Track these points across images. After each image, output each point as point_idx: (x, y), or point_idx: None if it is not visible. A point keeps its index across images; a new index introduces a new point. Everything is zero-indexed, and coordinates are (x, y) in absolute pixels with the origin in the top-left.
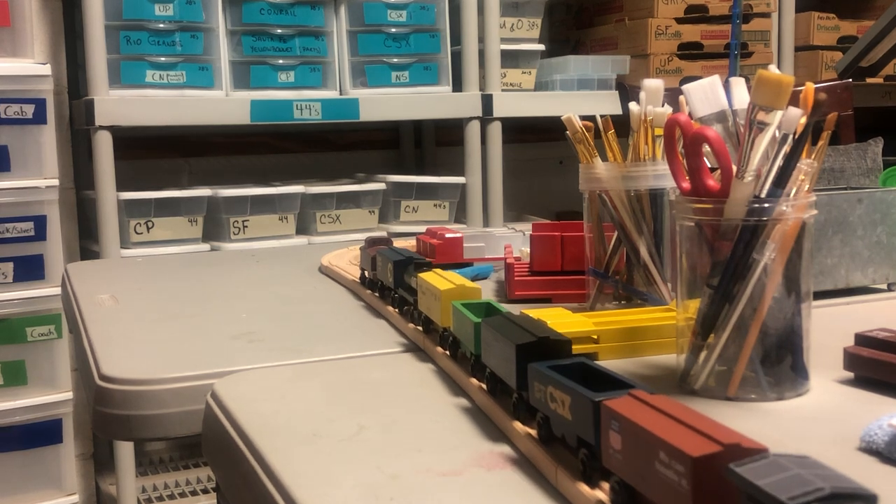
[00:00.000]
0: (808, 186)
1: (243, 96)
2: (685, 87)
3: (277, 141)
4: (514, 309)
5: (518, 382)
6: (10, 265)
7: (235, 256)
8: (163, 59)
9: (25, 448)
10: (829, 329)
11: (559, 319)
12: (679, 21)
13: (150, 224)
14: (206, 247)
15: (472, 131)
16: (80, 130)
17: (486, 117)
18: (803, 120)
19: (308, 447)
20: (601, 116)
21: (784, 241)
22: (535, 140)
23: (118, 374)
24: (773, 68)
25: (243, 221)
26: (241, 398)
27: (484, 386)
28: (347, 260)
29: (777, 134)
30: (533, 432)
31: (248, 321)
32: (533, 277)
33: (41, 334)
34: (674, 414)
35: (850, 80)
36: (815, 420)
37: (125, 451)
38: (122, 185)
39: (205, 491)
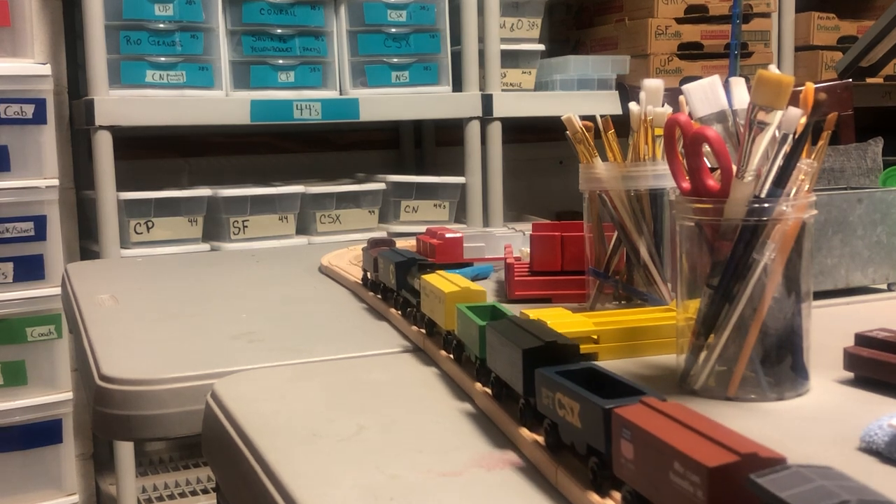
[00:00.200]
0: (808, 186)
1: (243, 96)
2: (685, 87)
3: (277, 141)
4: (514, 309)
5: (525, 388)
6: (10, 265)
7: (235, 256)
8: (163, 59)
9: (25, 448)
10: (829, 329)
11: (559, 319)
12: (679, 21)
13: (150, 224)
14: (206, 247)
15: (472, 131)
16: (80, 130)
17: (486, 117)
18: (803, 120)
19: (308, 447)
20: (601, 116)
21: (784, 241)
22: (535, 140)
23: (118, 374)
24: (773, 68)
25: (243, 221)
26: (241, 398)
27: (489, 391)
28: (347, 260)
29: (777, 134)
30: (540, 439)
31: (248, 321)
32: (533, 277)
33: (41, 334)
34: (688, 422)
35: (850, 80)
36: (815, 420)
37: (125, 452)
38: (122, 185)
39: (205, 491)
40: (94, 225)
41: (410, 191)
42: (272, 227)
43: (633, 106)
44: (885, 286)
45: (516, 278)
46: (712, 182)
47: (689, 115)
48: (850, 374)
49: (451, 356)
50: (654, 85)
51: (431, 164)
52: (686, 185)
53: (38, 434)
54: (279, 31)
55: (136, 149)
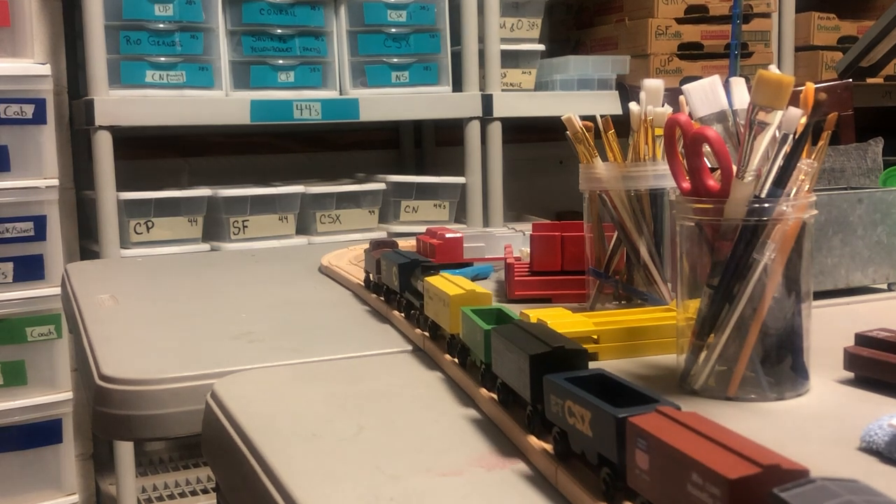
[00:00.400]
0: (808, 186)
1: (243, 96)
2: (685, 87)
3: (277, 141)
4: (514, 309)
5: (532, 395)
6: (10, 265)
7: (235, 256)
8: (163, 59)
9: (25, 448)
10: (830, 329)
11: (559, 319)
12: (679, 21)
13: (149, 224)
14: (206, 247)
15: (472, 131)
16: (80, 130)
17: (486, 117)
18: (803, 120)
19: (308, 447)
20: (601, 116)
21: (784, 241)
22: (535, 140)
23: (118, 374)
24: (773, 68)
25: (243, 221)
26: (241, 398)
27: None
28: (347, 260)
29: (777, 134)
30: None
31: (248, 321)
32: (533, 277)
33: (41, 334)
34: (706, 432)
35: (851, 80)
36: (815, 420)
37: (125, 452)
38: (121, 185)
39: (205, 491)
40: (94, 225)
41: (410, 191)
42: (272, 227)
43: (633, 106)
44: (885, 286)
45: (516, 278)
46: (712, 182)
47: (690, 115)
48: (851, 374)
49: (456, 360)
50: (654, 85)
51: (431, 164)
52: (686, 185)
53: (37, 434)
54: (279, 31)
55: (136, 149)
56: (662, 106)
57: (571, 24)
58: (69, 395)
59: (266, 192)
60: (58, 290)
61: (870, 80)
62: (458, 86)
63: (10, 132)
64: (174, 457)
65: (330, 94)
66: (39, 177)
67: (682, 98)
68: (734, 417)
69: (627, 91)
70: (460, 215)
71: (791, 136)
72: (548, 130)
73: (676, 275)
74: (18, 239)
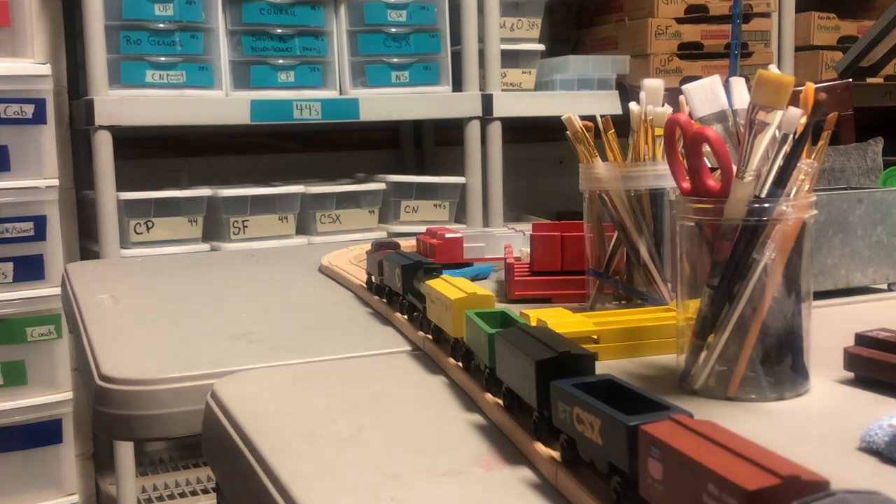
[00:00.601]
0: (808, 186)
1: (243, 96)
2: (685, 86)
3: (277, 141)
4: (514, 309)
5: (539, 401)
6: (10, 265)
7: (235, 256)
8: (163, 58)
9: (25, 448)
10: (830, 329)
11: (559, 319)
12: (679, 21)
13: (150, 224)
14: (206, 247)
15: (472, 131)
16: (80, 130)
17: (486, 117)
18: (803, 120)
19: (308, 447)
20: (601, 116)
21: (784, 241)
22: (535, 140)
23: (118, 374)
24: (773, 68)
25: (243, 221)
26: (241, 398)
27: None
28: (347, 260)
29: (777, 134)
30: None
31: (248, 321)
32: (533, 277)
33: (41, 334)
34: (722, 441)
35: (851, 79)
36: (815, 420)
37: (125, 451)
38: (121, 185)
39: (205, 491)
40: (94, 225)
41: (410, 191)
42: (272, 227)
43: (633, 106)
44: (885, 286)
45: (516, 278)
46: (712, 182)
47: (690, 114)
48: (851, 374)
49: (460, 364)
50: (654, 85)
51: (431, 164)
52: (686, 185)
53: (38, 434)
54: (279, 30)
55: (136, 149)
56: (662, 106)
57: (571, 24)
58: (69, 395)
59: (266, 192)
60: (58, 290)
61: (870, 80)
62: (458, 86)
63: (10, 132)
64: (174, 457)
65: (330, 93)
66: (39, 177)
67: (682, 98)
68: (734, 417)
69: (627, 91)
70: (460, 215)
71: (791, 136)
72: (548, 130)
73: (676, 275)
74: (18, 239)
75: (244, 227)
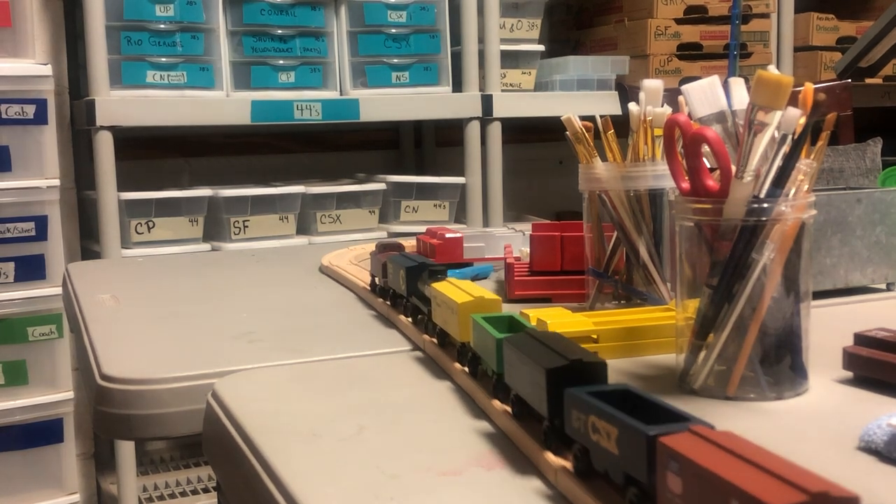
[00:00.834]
0: (807, 186)
1: (244, 97)
2: (684, 87)
3: (278, 141)
4: (514, 309)
5: (550, 410)
6: (12, 265)
7: (236, 256)
8: (164, 59)
9: (26, 447)
10: (829, 329)
11: (559, 319)
12: (678, 21)
13: (150, 224)
14: (206, 247)
15: (472, 131)
16: (81, 131)
17: (486, 117)
18: (802, 120)
19: (308, 447)
20: (601, 117)
21: (783, 241)
22: (535, 140)
23: (119, 373)
24: (772, 69)
25: (244, 221)
26: (242, 398)
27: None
28: (348, 260)
29: (776, 134)
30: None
31: (248, 321)
32: (533, 277)
33: (42, 334)
34: (745, 454)
35: (849, 80)
36: (814, 420)
37: (126, 451)
38: (122, 186)
39: (205, 490)
40: (95, 225)
41: (410, 191)
42: (273, 227)
43: (632, 106)
44: (884, 286)
45: (516, 278)
46: (712, 182)
47: (689, 115)
48: (850, 374)
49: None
50: (653, 85)
51: (431, 164)
52: (685, 185)
53: (39, 433)
54: (280, 31)
55: (137, 149)
56: (662, 106)
57: (571, 25)
58: (70, 394)
59: (266, 192)
60: (59, 290)
61: (869, 81)
62: (458, 86)
63: (12, 132)
64: (175, 456)
65: (330, 94)
66: (40, 177)
67: (681, 98)
68: (733, 417)
69: (627, 91)
70: (460, 215)
71: (790, 137)
72: (547, 131)
73: (676, 275)
74: (20, 239)
75: (245, 227)
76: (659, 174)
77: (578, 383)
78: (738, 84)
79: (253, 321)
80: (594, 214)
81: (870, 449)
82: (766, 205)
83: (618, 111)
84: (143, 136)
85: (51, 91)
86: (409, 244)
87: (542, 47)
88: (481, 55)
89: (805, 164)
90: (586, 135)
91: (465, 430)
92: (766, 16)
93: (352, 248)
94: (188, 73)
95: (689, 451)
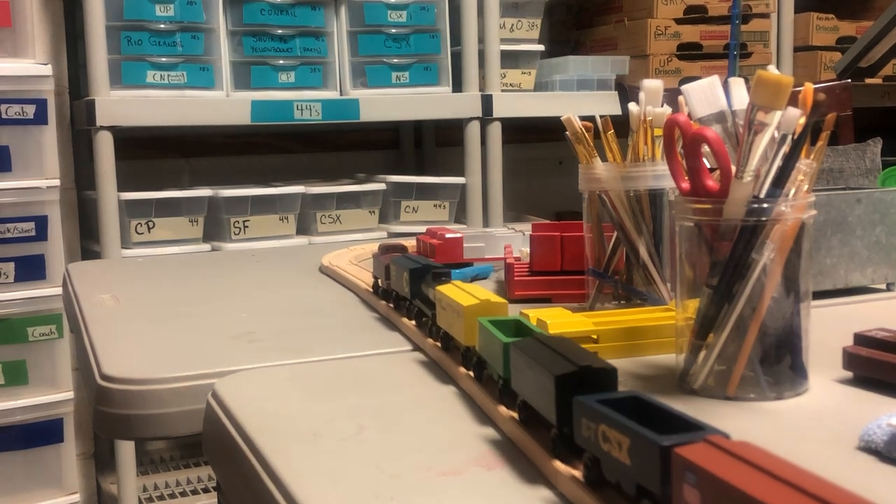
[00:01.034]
0: (807, 187)
1: (244, 97)
2: (684, 87)
3: (278, 141)
4: (514, 309)
5: (559, 417)
6: (12, 265)
7: (236, 256)
8: (164, 59)
9: (26, 447)
10: (829, 329)
11: (559, 319)
12: (678, 21)
13: (150, 224)
14: (206, 247)
15: (472, 131)
16: (81, 131)
17: (486, 118)
18: (802, 120)
19: (308, 446)
20: (600, 117)
21: (783, 241)
22: (535, 140)
23: (119, 373)
24: (772, 69)
25: (244, 221)
26: (242, 398)
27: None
28: (348, 260)
29: (776, 134)
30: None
31: (248, 321)
32: (533, 277)
33: (42, 334)
34: (767, 467)
35: (849, 80)
36: (814, 419)
37: (126, 451)
38: (122, 186)
39: (205, 490)
40: (95, 225)
41: (410, 191)
42: (273, 228)
43: (632, 106)
44: (884, 286)
45: (516, 278)
46: (711, 182)
47: (689, 115)
48: (849, 374)
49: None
50: (653, 85)
51: (431, 164)
52: (685, 185)
53: (39, 433)
54: (280, 31)
55: (137, 149)
56: (662, 106)
57: (571, 25)
58: (70, 394)
59: (266, 192)
60: (59, 290)
61: (868, 81)
62: (458, 86)
63: (12, 132)
64: (175, 456)
65: (330, 94)
66: (41, 177)
67: (681, 98)
68: (733, 417)
69: (627, 91)
70: (460, 215)
71: (790, 137)
72: (547, 131)
73: (676, 275)
74: (20, 239)
75: (245, 227)
76: (659, 174)
77: (588, 390)
78: (738, 84)
79: (253, 321)
80: (594, 214)
81: (870, 449)
82: (766, 205)
83: (618, 111)
84: (143, 136)
85: (51, 91)
86: (409, 244)
87: (541, 47)
88: (481, 55)
89: (805, 164)
90: (586, 135)
91: (466, 430)
92: (766, 16)
93: (352, 248)
94: (188, 73)
95: (708, 462)
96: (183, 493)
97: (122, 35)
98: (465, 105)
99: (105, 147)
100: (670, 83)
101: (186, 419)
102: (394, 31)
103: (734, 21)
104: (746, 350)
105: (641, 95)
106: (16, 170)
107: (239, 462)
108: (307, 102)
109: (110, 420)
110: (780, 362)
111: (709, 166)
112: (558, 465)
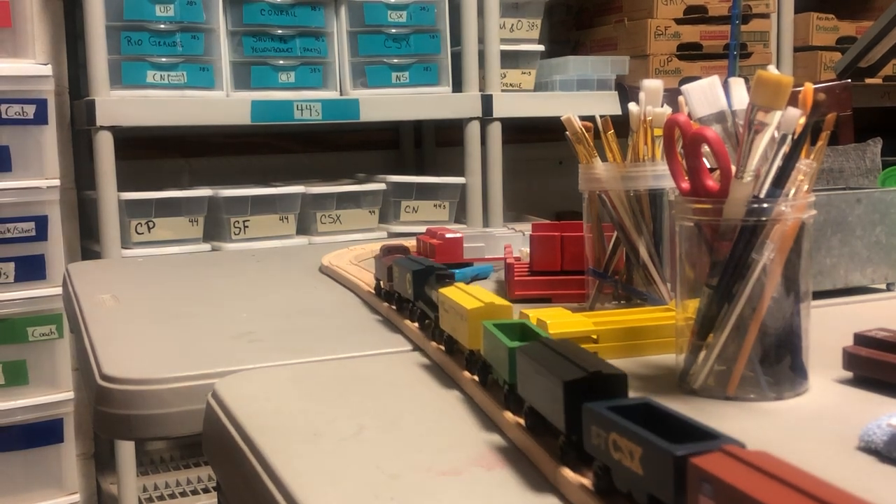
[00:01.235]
0: (807, 187)
1: (244, 97)
2: (684, 87)
3: (278, 141)
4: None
5: (567, 424)
6: (12, 265)
7: (236, 256)
8: (164, 59)
9: (27, 448)
10: (828, 329)
11: (559, 319)
12: (678, 22)
13: (150, 224)
14: (206, 247)
15: (472, 131)
16: (81, 131)
17: (486, 118)
18: (802, 120)
19: (308, 447)
20: (601, 117)
21: (783, 241)
22: (535, 140)
23: (119, 373)
24: (772, 69)
25: (244, 221)
26: (242, 398)
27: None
28: (348, 260)
29: (776, 134)
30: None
31: (248, 321)
32: (533, 277)
33: (42, 334)
34: (785, 478)
35: (849, 80)
36: (814, 420)
37: (126, 451)
38: (122, 186)
39: (205, 490)
40: (95, 225)
41: (410, 191)
42: (273, 228)
43: (632, 106)
44: (884, 286)
45: (516, 278)
46: (711, 182)
47: (689, 115)
48: (849, 374)
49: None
50: (653, 85)
51: (431, 164)
52: (685, 185)
53: (39, 433)
54: (280, 31)
55: (137, 149)
56: (662, 106)
57: (571, 25)
58: (70, 394)
59: (267, 192)
60: (59, 290)
61: (868, 81)
62: (458, 86)
63: (12, 132)
64: (175, 456)
65: (330, 94)
66: (41, 177)
67: (681, 98)
68: (733, 417)
69: (627, 91)
70: (460, 215)
71: (790, 137)
72: (547, 131)
73: (676, 275)
74: (20, 239)
75: (245, 227)
76: (659, 174)
77: (597, 396)
78: (737, 84)
79: (253, 321)
80: (594, 214)
81: (870, 449)
82: (766, 205)
83: (618, 111)
84: (143, 136)
85: (51, 91)
86: (410, 244)
87: (541, 47)
88: (481, 55)
89: (805, 164)
90: (586, 135)
91: (467, 432)
92: (766, 16)
93: (352, 248)
94: (188, 73)
95: (726, 474)
96: (183, 494)
97: (122, 35)
98: (465, 105)
99: (105, 147)
100: (670, 83)
101: (186, 419)
102: (394, 31)
103: (734, 21)
104: (746, 350)
105: (641, 95)
106: (16, 170)
107: (239, 462)
108: (307, 102)
109: (110, 420)
110: (780, 362)
111: (709, 166)
112: (567, 472)
